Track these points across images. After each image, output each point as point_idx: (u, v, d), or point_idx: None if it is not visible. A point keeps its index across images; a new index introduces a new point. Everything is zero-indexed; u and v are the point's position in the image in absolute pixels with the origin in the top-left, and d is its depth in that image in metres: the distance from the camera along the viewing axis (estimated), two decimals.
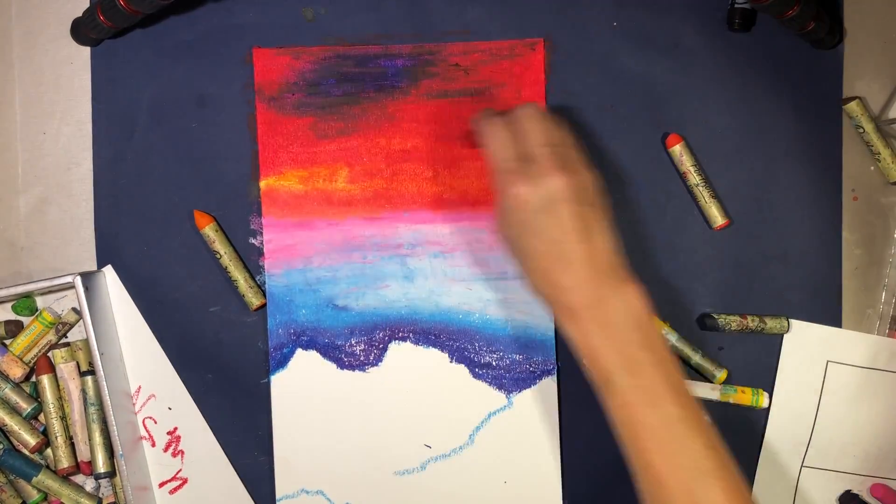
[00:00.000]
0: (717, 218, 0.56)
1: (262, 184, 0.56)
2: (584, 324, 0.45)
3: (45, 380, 0.55)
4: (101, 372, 0.53)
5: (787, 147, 0.57)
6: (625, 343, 0.45)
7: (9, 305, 0.57)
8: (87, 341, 0.53)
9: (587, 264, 0.45)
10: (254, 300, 0.56)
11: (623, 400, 0.44)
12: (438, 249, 0.57)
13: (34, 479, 0.54)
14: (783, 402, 0.57)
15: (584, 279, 0.45)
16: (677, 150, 0.56)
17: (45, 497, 0.56)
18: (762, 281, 0.57)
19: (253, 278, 0.56)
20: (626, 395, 0.44)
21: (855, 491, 0.57)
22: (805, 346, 0.57)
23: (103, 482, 0.56)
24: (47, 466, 0.55)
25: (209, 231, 0.55)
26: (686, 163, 0.56)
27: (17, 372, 0.55)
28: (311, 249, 0.57)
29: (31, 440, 0.55)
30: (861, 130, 0.57)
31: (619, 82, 0.57)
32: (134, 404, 0.56)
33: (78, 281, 0.53)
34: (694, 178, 0.56)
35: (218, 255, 0.56)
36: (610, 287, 0.45)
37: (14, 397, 0.55)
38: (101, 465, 0.54)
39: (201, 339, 0.57)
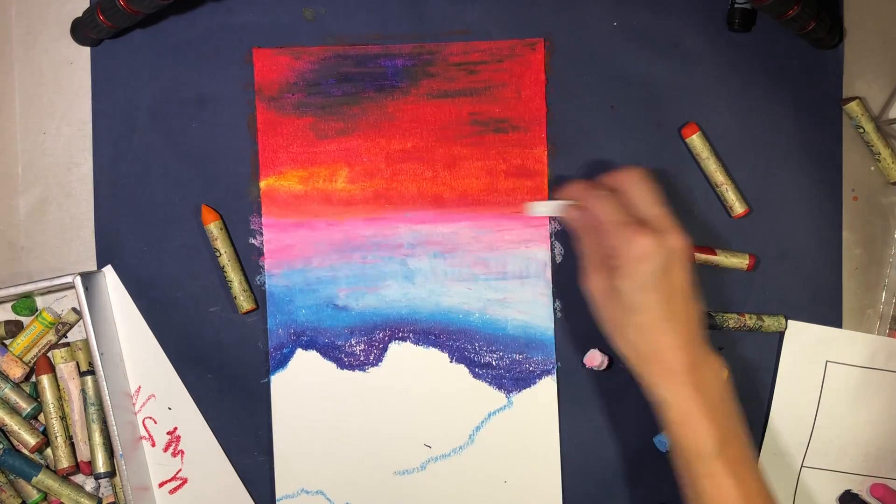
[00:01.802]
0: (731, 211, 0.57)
1: (263, 184, 0.56)
2: (681, 387, 0.46)
3: (45, 380, 0.55)
4: (101, 372, 0.53)
5: (787, 147, 0.57)
6: (717, 412, 0.46)
7: (9, 305, 0.57)
8: (87, 341, 0.53)
9: (689, 327, 0.46)
10: (244, 304, 0.56)
11: (710, 469, 0.45)
12: (438, 249, 0.57)
13: (34, 479, 0.54)
14: (783, 403, 0.57)
15: (686, 342, 0.46)
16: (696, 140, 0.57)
17: (45, 497, 0.56)
18: (762, 281, 0.57)
19: (248, 282, 0.56)
20: (714, 464, 0.45)
21: (855, 491, 0.57)
22: (804, 346, 0.57)
23: (103, 482, 0.56)
24: (47, 466, 0.55)
25: (213, 228, 0.55)
26: (702, 154, 0.56)
27: (17, 372, 0.55)
28: (311, 249, 0.57)
29: (31, 440, 0.55)
30: (861, 130, 0.57)
31: (619, 82, 0.57)
32: (134, 404, 0.56)
33: (78, 281, 0.53)
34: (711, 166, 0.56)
35: (217, 254, 0.56)
36: (703, 354, 0.47)
37: (14, 397, 0.55)
38: (101, 466, 0.54)
39: (201, 339, 0.57)
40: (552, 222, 0.57)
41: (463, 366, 0.57)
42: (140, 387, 0.56)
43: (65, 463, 0.55)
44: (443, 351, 0.57)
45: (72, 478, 0.56)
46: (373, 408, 0.57)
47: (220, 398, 0.57)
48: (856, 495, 0.57)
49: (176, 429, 0.57)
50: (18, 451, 0.55)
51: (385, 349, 0.57)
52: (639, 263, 0.45)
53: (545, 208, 0.53)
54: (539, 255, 0.57)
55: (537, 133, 0.57)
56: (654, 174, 0.57)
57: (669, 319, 0.46)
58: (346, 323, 0.57)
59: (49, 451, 0.56)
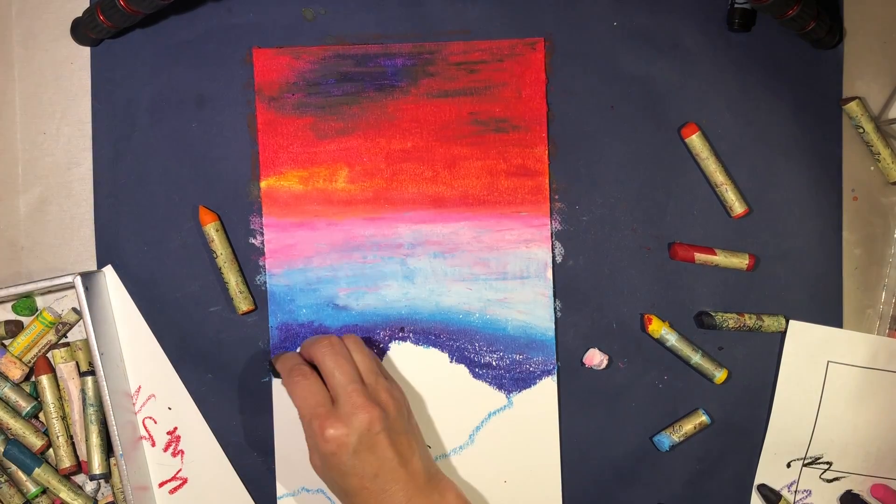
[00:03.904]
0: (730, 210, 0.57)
1: (263, 184, 0.56)
2: None
3: (45, 380, 0.55)
4: (101, 372, 0.53)
5: (787, 147, 0.58)
6: None
7: (9, 305, 0.57)
8: (87, 341, 0.53)
9: (408, 487, 0.48)
10: (241, 305, 0.56)
11: None
12: (438, 249, 0.57)
13: (35, 472, 0.54)
14: (784, 403, 0.57)
15: (407, 502, 0.47)
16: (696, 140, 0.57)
17: (44, 491, 0.56)
18: (762, 281, 0.57)
19: (246, 283, 0.56)
20: None
21: (855, 491, 0.57)
22: (805, 346, 0.57)
23: (103, 482, 0.56)
24: (47, 462, 0.55)
25: (210, 229, 0.55)
26: (702, 154, 0.56)
27: (16, 373, 0.55)
28: (311, 249, 0.57)
29: (37, 442, 0.55)
30: (861, 130, 0.57)
31: (619, 82, 0.57)
32: (134, 404, 0.56)
33: (78, 281, 0.52)
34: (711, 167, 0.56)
35: (214, 255, 0.56)
36: (431, 499, 0.48)
37: (14, 396, 0.55)
38: (97, 467, 0.54)
39: (201, 339, 0.57)
40: (553, 222, 0.57)
41: (463, 366, 0.57)
42: (140, 387, 0.56)
43: (66, 463, 0.55)
44: (443, 351, 0.57)
45: (73, 477, 0.56)
46: None
47: (220, 398, 0.57)
48: (857, 495, 0.57)
49: (176, 429, 0.57)
50: (21, 443, 0.55)
51: (385, 349, 0.57)
52: (334, 456, 0.48)
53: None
54: (539, 255, 0.57)
55: (537, 133, 0.57)
56: (654, 176, 0.57)
57: (385, 492, 0.47)
58: (347, 323, 0.57)
59: (51, 450, 0.56)
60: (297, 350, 0.55)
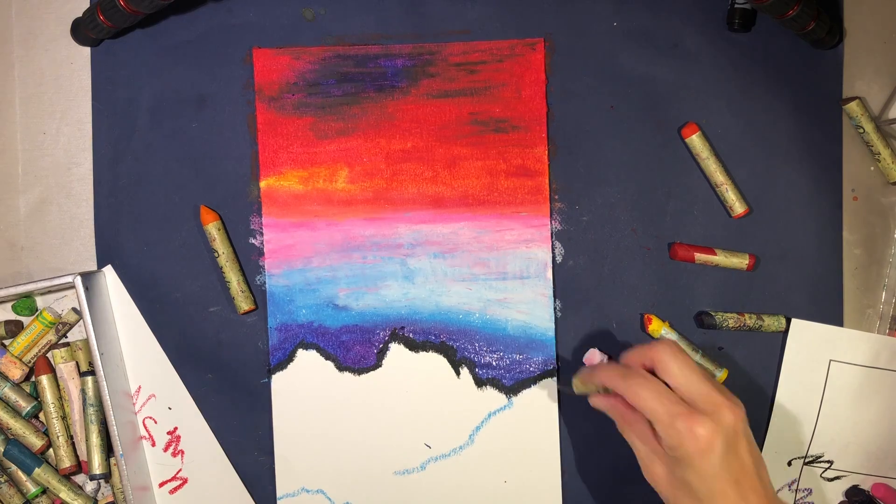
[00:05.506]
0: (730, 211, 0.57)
1: (263, 184, 0.56)
2: None
3: (45, 380, 0.55)
4: (101, 372, 0.53)
5: (787, 147, 0.58)
6: None
7: (9, 305, 0.57)
8: (87, 341, 0.53)
9: (762, 501, 0.44)
10: (243, 304, 0.56)
11: None
12: (438, 249, 0.57)
13: (35, 472, 0.54)
14: (786, 402, 0.57)
15: None
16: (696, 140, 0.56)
17: (44, 491, 0.56)
18: (762, 281, 0.57)
19: (246, 282, 0.56)
20: None
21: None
22: (807, 345, 0.57)
23: (103, 482, 0.56)
24: (47, 462, 0.55)
25: (212, 228, 0.55)
26: (702, 154, 0.56)
27: (16, 373, 0.55)
28: (311, 249, 0.57)
29: (37, 442, 0.55)
30: (861, 130, 0.57)
31: (619, 82, 0.57)
32: (134, 404, 0.56)
33: (78, 281, 0.53)
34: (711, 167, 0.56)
35: (216, 254, 0.56)
36: None
37: (14, 396, 0.55)
38: (97, 467, 0.54)
39: (201, 339, 0.57)
40: (553, 222, 0.57)
41: (463, 366, 0.57)
42: (140, 387, 0.56)
43: (66, 463, 0.55)
44: (443, 351, 0.57)
45: (73, 477, 0.56)
46: (373, 407, 0.57)
47: (220, 398, 0.57)
48: (862, 490, 0.57)
49: (176, 429, 0.57)
50: (21, 443, 0.55)
51: (385, 349, 0.57)
52: (703, 456, 0.44)
53: (579, 388, 0.52)
54: (539, 255, 0.57)
55: (537, 133, 0.57)
56: (654, 176, 0.57)
57: (744, 498, 0.44)
58: (346, 323, 0.57)
59: (51, 450, 0.56)
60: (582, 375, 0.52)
